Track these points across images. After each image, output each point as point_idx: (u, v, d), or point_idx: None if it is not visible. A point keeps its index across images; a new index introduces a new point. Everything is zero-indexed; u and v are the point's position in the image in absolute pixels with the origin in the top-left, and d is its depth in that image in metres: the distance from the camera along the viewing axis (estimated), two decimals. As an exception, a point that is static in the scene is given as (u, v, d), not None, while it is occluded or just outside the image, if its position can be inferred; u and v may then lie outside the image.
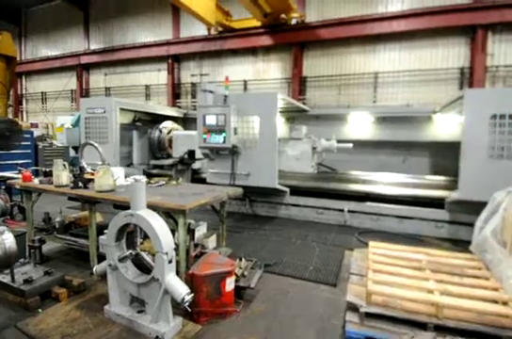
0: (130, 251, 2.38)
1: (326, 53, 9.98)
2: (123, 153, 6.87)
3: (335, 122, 6.69)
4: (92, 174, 3.35)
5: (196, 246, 2.93)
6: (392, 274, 2.43)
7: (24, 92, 15.88)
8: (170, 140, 6.79)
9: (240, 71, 10.83)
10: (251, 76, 10.80)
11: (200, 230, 3.15)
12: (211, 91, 5.02)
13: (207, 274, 2.41)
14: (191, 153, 6.26)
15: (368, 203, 4.89)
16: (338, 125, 6.69)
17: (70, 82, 14.00)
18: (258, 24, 9.96)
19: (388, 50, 9.36)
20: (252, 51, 10.70)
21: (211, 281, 2.41)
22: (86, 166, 3.81)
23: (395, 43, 9.28)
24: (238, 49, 10.63)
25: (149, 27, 12.14)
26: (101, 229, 3.35)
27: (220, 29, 10.49)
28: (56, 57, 14.18)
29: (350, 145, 5.94)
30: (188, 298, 2.15)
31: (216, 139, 4.79)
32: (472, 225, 4.18)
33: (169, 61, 11.31)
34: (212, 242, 3.13)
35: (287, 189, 5.30)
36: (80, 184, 3.15)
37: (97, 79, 13.40)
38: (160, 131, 6.89)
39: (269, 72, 10.58)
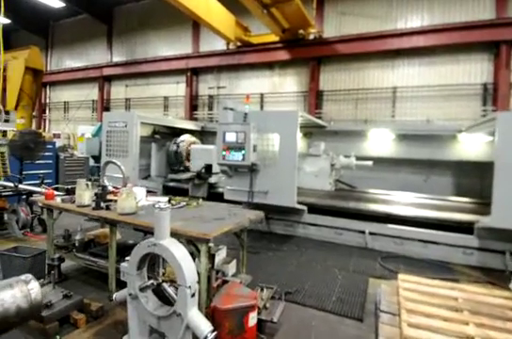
0: (152, 281, 2.28)
1: (343, 67, 9.90)
2: (142, 166, 6.88)
3: (354, 139, 6.53)
4: (114, 194, 3.30)
5: (216, 273, 2.81)
6: (427, 316, 2.24)
7: (47, 101, 16.36)
8: (188, 154, 6.77)
9: (256, 84, 10.86)
10: (267, 90, 10.80)
11: (220, 254, 3.03)
12: (231, 109, 4.97)
13: (230, 308, 2.27)
14: (208, 168, 6.21)
15: (390, 226, 4.67)
16: (357, 141, 6.53)
17: (91, 92, 14.35)
18: (276, 39, 10.01)
19: (407, 65, 9.20)
20: (269, 65, 10.73)
21: (234, 315, 2.28)
22: (108, 184, 3.79)
23: (415, 58, 9.12)
24: (255, 63, 10.68)
25: (169, 41, 12.37)
26: (120, 249, 3.28)
27: (239, 44, 10.58)
28: (79, 69, 14.60)
29: (370, 163, 5.77)
30: (211, 336, 2.02)
31: (236, 157, 4.71)
32: (503, 253, 3.95)
33: (188, 74, 11.45)
34: (232, 268, 3.00)
35: (305, 208, 5.14)
36: (102, 204, 3.10)
37: (118, 90, 13.68)
38: (177, 145, 6.89)
39: (285, 85, 10.56)
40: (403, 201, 5.52)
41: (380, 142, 6.34)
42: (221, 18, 8.90)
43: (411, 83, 9.13)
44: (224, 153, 4.77)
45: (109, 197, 3.27)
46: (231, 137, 4.73)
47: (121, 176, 6.03)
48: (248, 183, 4.80)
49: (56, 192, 3.80)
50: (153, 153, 7.15)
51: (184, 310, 2.09)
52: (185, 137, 7.14)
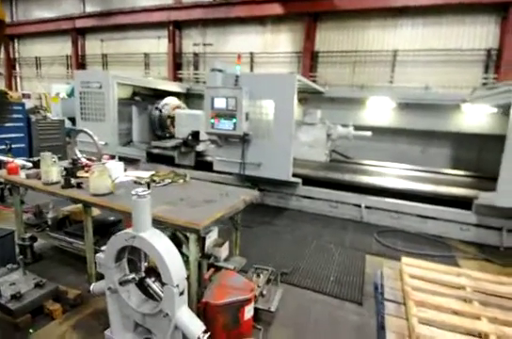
0: (133, 276, 1.94)
1: (341, 25, 8.95)
2: (122, 130, 6.25)
3: (352, 106, 6.02)
4: (87, 170, 2.82)
5: (208, 258, 2.50)
6: (436, 308, 2.04)
7: (17, 56, 14.58)
8: (172, 119, 6.13)
9: (247, 42, 9.80)
10: (258, 49, 9.80)
11: (211, 236, 2.70)
12: (220, 70, 4.31)
13: (224, 303, 2.00)
14: (195, 135, 5.66)
15: (387, 200, 4.45)
16: (355, 110, 6.03)
17: (65, 47, 12.77)
18: (269, -11, 8.80)
19: (410, 26, 8.38)
20: (261, 20, 9.60)
21: (228, 310, 2.02)
22: (80, 156, 3.27)
23: (419, 18, 8.28)
24: (245, 17, 9.51)
25: (149, -12, 10.76)
26: (99, 228, 2.91)
27: (227, -6, 9.29)
28: (50, 20, 12.78)
29: (369, 133, 5.36)
30: (204, 337, 1.76)
31: (226, 125, 4.19)
32: (500, 229, 3.83)
33: (170, 28, 10.17)
34: (224, 251, 2.71)
35: (300, 180, 4.83)
36: (73, 181, 2.63)
37: (93, 45, 12.19)
38: (160, 109, 6.21)
39: (278, 44, 9.57)
40: (400, 174, 5.27)
41: (379, 111, 5.88)
42: (208, -40, 7.59)
43: (413, 46, 8.41)
44: (213, 120, 4.23)
45: (81, 173, 2.78)
46: (220, 104, 4.16)
47: (103, 142, 5.46)
48: (239, 154, 4.36)
49: (24, 163, 3.27)
50: (134, 116, 6.45)
51: (171, 310, 1.79)
52: (169, 101, 6.43)
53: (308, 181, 5.07)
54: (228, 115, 4.14)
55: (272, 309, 2.29)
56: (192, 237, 2.05)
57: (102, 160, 3.19)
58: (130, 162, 6.05)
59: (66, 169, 2.84)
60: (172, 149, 5.76)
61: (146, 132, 6.55)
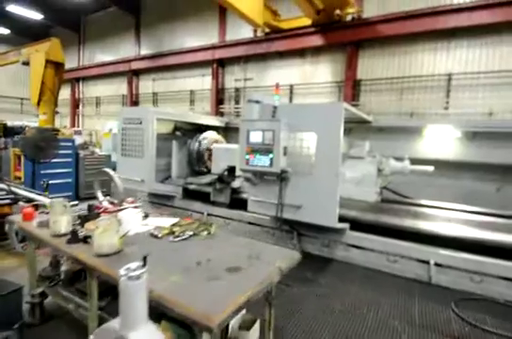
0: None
1: (386, 52, 8.33)
2: (160, 166, 6.06)
3: (404, 137, 5.18)
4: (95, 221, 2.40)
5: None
6: None
7: (81, 96, 16.19)
8: (210, 153, 5.81)
9: (286, 74, 9.59)
10: (297, 80, 9.50)
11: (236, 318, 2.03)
12: (257, 102, 3.89)
13: None
14: (231, 170, 5.21)
15: (464, 255, 3.42)
16: (409, 140, 5.17)
17: (121, 87, 13.84)
18: (308, 22, 8.63)
19: (466, 47, 7.47)
20: (300, 53, 9.40)
21: None
22: (101, 199, 2.91)
23: (475, 38, 7.37)
24: (286, 51, 9.40)
25: (196, 31, 11.35)
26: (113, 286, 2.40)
27: (267, 30, 9.33)
28: (109, 63, 14.10)
29: (431, 168, 4.46)
30: None
31: (262, 162, 3.65)
32: None
33: (214, 66, 10.42)
34: (254, 334, 2.01)
35: (347, 226, 4.01)
36: (81, 234, 2.21)
37: (146, 84, 13.02)
38: (199, 142, 5.95)
39: (317, 74, 9.19)
40: (474, 220, 4.19)
41: (440, 141, 4.95)
42: (249, 1, 7.69)
43: (470, 69, 7.43)
44: (247, 156, 3.73)
45: (89, 225, 2.36)
46: (256, 138, 3.67)
47: (139, 179, 5.21)
48: (275, 194, 3.74)
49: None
50: (174, 151, 6.27)
51: None
52: (208, 135, 6.17)
53: (357, 225, 4.22)
54: (264, 150, 3.62)
55: None
56: (205, 337, 1.40)
57: (123, 204, 2.80)
58: (167, 198, 5.75)
59: (80, 217, 2.45)
60: (208, 185, 5.34)
61: (184, 167, 6.30)
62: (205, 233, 2.39)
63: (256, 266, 1.87)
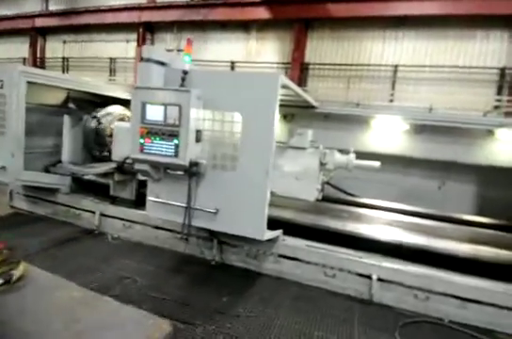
0: None
1: (335, 35, 7.75)
2: (46, 148, 4.60)
3: (352, 127, 4.59)
4: None
5: None
6: None
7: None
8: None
9: (228, 49, 8.46)
10: (241, 57, 8.47)
11: None
12: (162, 63, 2.76)
13: None
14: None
15: (409, 268, 2.89)
16: (355, 131, 4.60)
17: (21, 48, 11.12)
18: (255, -10, 7.59)
19: (414, 38, 7.24)
20: (245, 26, 8.33)
21: None
22: None
23: (424, 30, 7.18)
24: (227, 22, 8.22)
25: (120, -13, 9.42)
26: None
27: (207, -6, 8.03)
28: (6, 18, 11.18)
29: (377, 164, 3.88)
30: None
31: (163, 149, 2.59)
32: None
33: (140, 30, 8.75)
34: None
35: (280, 233, 3.22)
36: None
37: (55, 47, 10.61)
38: (98, 119, 4.57)
39: (263, 53, 8.26)
40: (418, 223, 3.77)
41: (387, 134, 4.46)
42: None
43: (417, 61, 7.26)
44: (142, 140, 2.62)
45: None
46: (155, 114, 2.57)
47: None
48: (184, 193, 2.73)
49: None
50: (66, 129, 4.76)
51: None
52: (113, 109, 4.80)
53: (291, 228, 3.50)
54: (166, 133, 2.55)
55: None
56: None
57: None
58: (49, 191, 4.34)
59: None
60: (103, 176, 4.08)
61: (79, 150, 4.86)
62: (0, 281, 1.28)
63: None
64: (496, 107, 6.87)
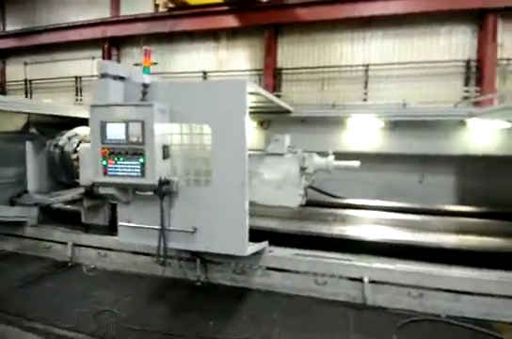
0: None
1: (305, 39, 7.82)
2: (9, 178, 4.30)
3: (329, 129, 4.56)
4: None
5: None
6: None
7: None
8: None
9: (198, 59, 8.38)
10: (213, 67, 8.40)
11: None
12: (120, 78, 2.61)
13: None
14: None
15: (400, 266, 2.83)
16: (332, 133, 4.56)
17: (-19, 72, 10.65)
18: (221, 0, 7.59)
19: (381, 37, 7.40)
20: (214, 35, 8.29)
21: None
22: None
23: (390, 29, 7.35)
24: (195, 32, 8.16)
25: (81, 2, 9.22)
26: None
27: (171, 5, 7.95)
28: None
29: (357, 163, 3.84)
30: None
31: (128, 170, 2.41)
32: None
33: (106, 46, 8.55)
34: None
35: (265, 245, 3.08)
36: None
37: (15, 70, 10.19)
38: (64, 143, 4.31)
39: (234, 61, 8.23)
40: (404, 219, 3.74)
41: (363, 133, 4.45)
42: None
43: (386, 59, 7.39)
44: (105, 162, 2.44)
45: None
46: (116, 133, 2.40)
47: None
48: (157, 215, 2.55)
49: None
50: (29, 157, 4.47)
51: None
52: (80, 131, 4.56)
53: (277, 238, 3.38)
54: (130, 152, 2.38)
55: None
56: None
57: None
58: (15, 225, 4.03)
59: None
60: (71, 203, 3.83)
61: (46, 178, 4.57)
62: None
63: None
64: (465, 98, 7.06)
